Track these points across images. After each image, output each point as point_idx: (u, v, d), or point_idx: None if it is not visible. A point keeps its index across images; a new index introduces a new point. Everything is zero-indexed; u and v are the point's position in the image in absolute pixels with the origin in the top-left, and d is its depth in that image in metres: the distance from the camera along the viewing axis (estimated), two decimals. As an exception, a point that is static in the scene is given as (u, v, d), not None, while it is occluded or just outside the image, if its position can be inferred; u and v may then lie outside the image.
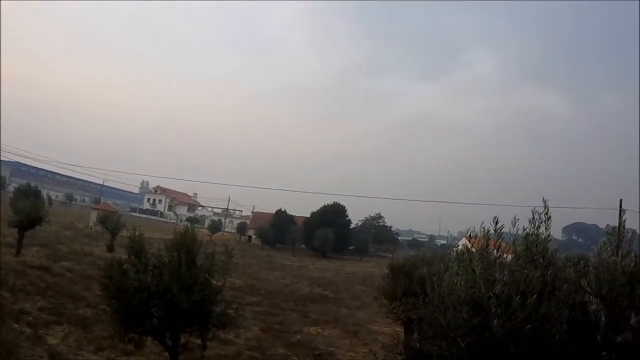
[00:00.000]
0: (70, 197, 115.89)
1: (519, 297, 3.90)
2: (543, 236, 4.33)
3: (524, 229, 4.35)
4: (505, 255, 4.44)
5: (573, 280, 4.22)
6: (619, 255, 4.18)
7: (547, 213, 4.37)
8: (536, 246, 4.25)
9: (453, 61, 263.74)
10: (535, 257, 4.20)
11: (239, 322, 10.45)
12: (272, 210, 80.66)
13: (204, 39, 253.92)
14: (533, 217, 4.36)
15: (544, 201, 4.40)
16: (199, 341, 8.93)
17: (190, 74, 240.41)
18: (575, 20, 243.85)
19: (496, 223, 4.42)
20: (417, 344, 4.70)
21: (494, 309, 3.90)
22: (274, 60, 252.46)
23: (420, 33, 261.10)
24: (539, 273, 4.06)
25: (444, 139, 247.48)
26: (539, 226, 4.33)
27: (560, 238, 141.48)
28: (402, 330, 13.18)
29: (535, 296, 3.90)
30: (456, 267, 4.46)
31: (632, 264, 4.14)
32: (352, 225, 78.41)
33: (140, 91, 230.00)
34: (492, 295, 3.98)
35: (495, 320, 3.85)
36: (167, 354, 8.94)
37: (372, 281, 29.58)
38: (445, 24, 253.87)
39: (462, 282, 4.23)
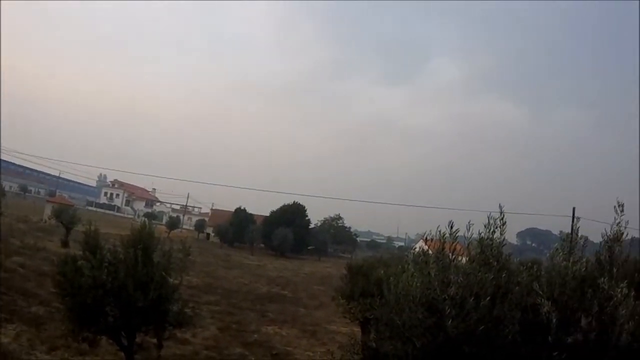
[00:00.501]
0: (24, 189, 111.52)
1: (473, 299, 3.98)
2: (498, 241, 4.46)
3: (480, 233, 4.47)
4: (460, 258, 4.55)
5: (526, 284, 4.35)
6: (571, 261, 4.34)
7: (502, 218, 4.50)
8: (490, 250, 4.36)
9: (417, 68, 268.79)
10: (490, 261, 4.31)
11: (196, 321, 10.35)
12: (232, 208, 79.99)
13: (164, 33, 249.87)
14: (489, 222, 4.48)
15: (500, 207, 4.52)
16: (155, 340, 8.79)
17: (152, 67, 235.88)
18: (534, 35, 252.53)
19: (451, 227, 4.53)
20: (374, 344, 4.75)
21: (449, 310, 3.97)
22: (238, 58, 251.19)
23: (387, 39, 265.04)
24: (493, 276, 4.16)
25: (405, 144, 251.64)
26: (494, 231, 4.46)
27: (515, 243, 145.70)
28: (360, 330, 13.32)
29: (488, 298, 3.99)
30: (412, 269, 4.52)
31: (583, 269, 4.30)
32: (312, 226, 78.47)
33: (100, 81, 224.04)
34: (446, 297, 4.05)
35: (450, 321, 3.92)
36: (122, 354, 8.77)
37: (331, 281, 29.73)
38: (412, 31, 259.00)
39: (418, 284, 4.29)
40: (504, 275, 4.24)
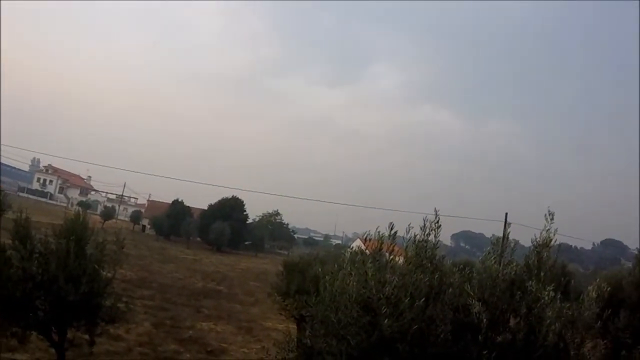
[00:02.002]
0: None
1: (407, 299, 4.12)
2: (432, 243, 4.67)
3: (415, 235, 4.65)
4: (397, 259, 4.72)
5: (458, 285, 4.57)
6: (501, 264, 4.61)
7: (437, 222, 4.71)
8: (425, 252, 4.54)
9: (358, 72, 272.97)
10: (424, 262, 4.50)
11: (129, 316, 10.15)
12: (169, 199, 78.23)
13: (105, 17, 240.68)
14: (424, 225, 4.68)
15: (435, 211, 4.73)
16: (87, 336, 8.54)
17: (88, 52, 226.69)
18: (472, 48, 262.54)
19: (391, 229, 4.69)
20: (309, 342, 4.84)
21: (384, 309, 4.09)
22: (182, 50, 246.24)
23: (330, 40, 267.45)
24: (427, 278, 4.33)
25: (344, 145, 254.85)
26: (429, 233, 4.65)
27: (449, 244, 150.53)
28: (295, 327, 13.43)
29: (423, 299, 4.15)
30: (349, 268, 4.63)
31: (513, 273, 4.57)
32: (249, 221, 77.90)
33: (37, 61, 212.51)
34: (382, 297, 4.17)
35: (385, 320, 4.05)
36: (53, 350, 8.47)
37: (267, 277, 29.67)
38: (355, 35, 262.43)
39: (354, 283, 4.39)
40: (437, 276, 4.43)
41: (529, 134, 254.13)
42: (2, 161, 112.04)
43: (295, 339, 5.64)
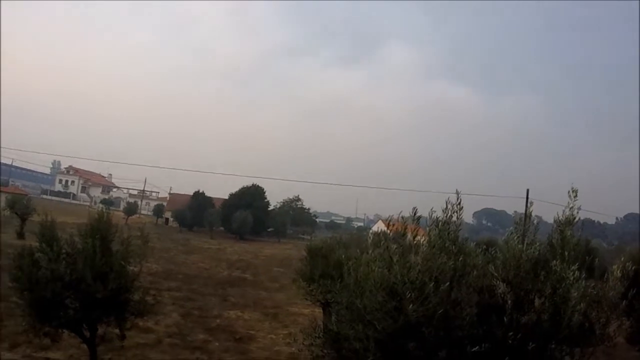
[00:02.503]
0: None
1: (432, 283, 4.10)
2: (455, 224, 4.62)
3: (437, 218, 4.61)
4: (420, 239, 4.69)
5: (482, 266, 4.54)
6: (525, 244, 4.55)
7: (459, 203, 4.67)
8: (448, 234, 4.50)
9: (373, 51, 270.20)
10: (447, 245, 4.46)
11: (157, 308, 10.31)
12: (190, 192, 79.02)
13: (114, 12, 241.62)
14: (446, 207, 4.64)
15: (457, 192, 4.68)
16: (117, 331, 8.73)
17: (103, 51, 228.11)
18: (489, 22, 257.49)
19: (415, 213, 4.66)
20: (335, 327, 4.87)
21: (409, 294, 4.08)
22: (193, 41, 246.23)
23: (343, 20, 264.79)
24: (451, 261, 4.30)
25: (361, 126, 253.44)
26: (451, 215, 4.62)
27: (471, 222, 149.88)
28: (321, 311, 13.54)
29: (447, 283, 4.13)
30: (373, 253, 4.61)
31: (537, 252, 4.52)
32: (271, 208, 78.40)
33: (49, 64, 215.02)
34: (407, 281, 4.15)
35: (410, 305, 4.04)
36: (85, 346, 8.68)
37: (291, 263, 29.88)
38: (368, 13, 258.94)
39: (379, 268, 4.38)
40: (460, 259, 4.40)
41: (547, 107, 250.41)
42: (24, 166, 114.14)
43: (321, 325, 5.69)
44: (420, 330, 4.06)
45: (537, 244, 4.55)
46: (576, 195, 4.56)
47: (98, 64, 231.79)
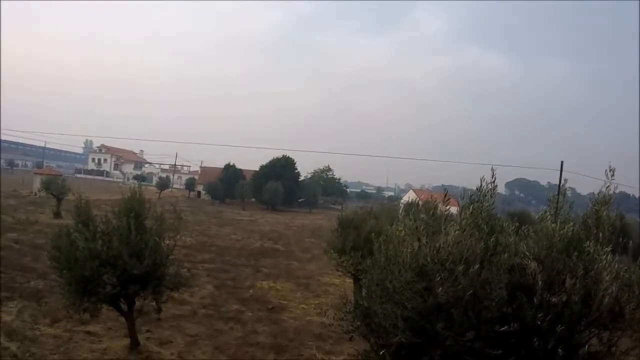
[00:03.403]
0: (11, 163, 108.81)
1: (462, 266, 4.06)
2: (489, 204, 4.54)
3: (470, 196, 4.52)
4: (452, 211, 4.63)
5: (514, 245, 4.46)
6: (558, 223, 4.44)
7: (494, 181, 4.58)
8: (481, 213, 4.43)
9: (400, 18, 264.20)
10: (480, 223, 4.39)
11: (192, 281, 10.59)
12: (221, 164, 79.81)
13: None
14: (480, 186, 4.55)
15: (492, 170, 4.57)
16: (154, 304, 9.04)
17: (128, 29, 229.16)
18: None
19: (446, 194, 4.61)
20: (365, 303, 4.91)
21: (438, 277, 4.06)
22: (216, 11, 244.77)
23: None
24: (482, 242, 4.25)
25: (389, 94, 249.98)
26: (484, 195, 4.53)
27: (504, 193, 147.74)
28: (352, 282, 13.69)
29: (478, 266, 4.09)
30: (403, 232, 4.57)
31: (570, 232, 4.40)
32: (301, 178, 78.72)
33: (77, 46, 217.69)
34: (437, 262, 4.13)
35: (439, 288, 4.02)
36: (123, 319, 9.01)
37: (322, 233, 30.17)
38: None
39: (408, 250, 4.36)
40: (492, 239, 4.33)
41: (581, 74, 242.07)
42: (57, 147, 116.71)
43: (353, 299, 5.73)
44: (449, 311, 4.06)
45: (571, 223, 4.43)
46: (613, 174, 4.41)
47: (125, 45, 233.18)
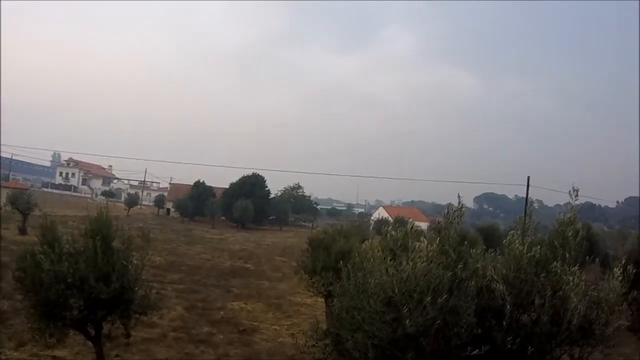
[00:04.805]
0: None
1: (430, 297, 4.07)
2: (456, 229, 4.57)
3: (438, 223, 4.57)
4: (419, 225, 4.65)
5: (482, 269, 4.50)
6: (525, 245, 4.50)
7: (461, 208, 4.62)
8: (448, 240, 4.48)
9: (370, 36, 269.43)
10: (447, 249, 4.42)
11: (161, 303, 10.35)
12: (191, 181, 78.98)
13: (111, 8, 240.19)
14: (447, 212, 4.59)
15: (459, 196, 4.64)
16: (122, 328, 8.79)
17: (100, 42, 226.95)
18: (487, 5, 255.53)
19: (412, 227, 4.63)
20: (336, 329, 4.86)
21: (406, 308, 4.06)
22: (188, 28, 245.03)
23: (340, 6, 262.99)
24: (450, 271, 4.28)
25: (360, 112, 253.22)
26: (451, 222, 4.56)
27: (473, 207, 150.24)
28: (323, 301, 13.61)
29: (445, 296, 4.10)
30: (372, 260, 4.57)
31: (537, 254, 4.49)
32: (272, 196, 78.47)
33: (46, 56, 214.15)
34: (404, 292, 4.14)
35: (407, 320, 4.03)
36: (91, 344, 8.75)
37: (293, 251, 30.01)
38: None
39: (377, 280, 4.37)
40: (460, 266, 4.37)
41: (546, 91, 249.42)
42: (24, 160, 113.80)
43: (325, 321, 5.68)
44: (418, 340, 4.07)
45: (538, 247, 4.50)
46: (577, 195, 4.53)
47: (96, 59, 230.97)
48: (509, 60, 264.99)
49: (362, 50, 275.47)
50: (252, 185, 70.98)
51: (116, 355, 9.92)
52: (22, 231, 27.70)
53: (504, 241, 4.83)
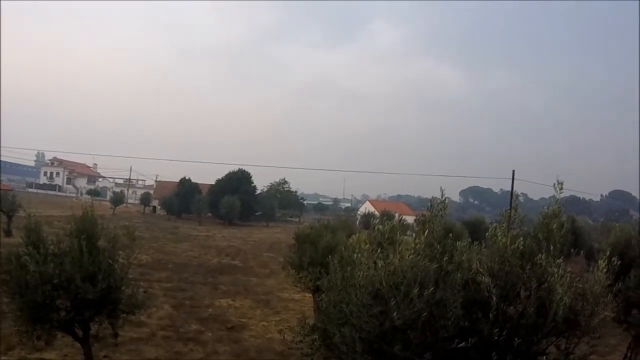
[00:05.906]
0: None
1: (417, 289, 4.10)
2: (440, 222, 4.61)
3: (423, 216, 4.62)
4: (404, 218, 4.70)
5: (467, 262, 4.56)
6: (509, 237, 4.58)
7: (444, 201, 4.67)
8: (433, 234, 4.51)
9: (356, 31, 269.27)
10: (433, 243, 4.46)
11: (149, 302, 10.32)
12: (176, 178, 78.44)
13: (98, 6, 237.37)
14: (431, 206, 4.64)
15: (441, 190, 4.68)
16: (110, 328, 8.75)
17: (85, 37, 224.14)
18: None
19: (400, 220, 4.67)
20: (323, 324, 4.89)
21: (393, 301, 4.10)
22: (174, 24, 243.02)
23: (325, 1, 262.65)
24: (435, 263, 4.32)
25: (346, 106, 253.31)
26: (436, 215, 4.60)
27: (458, 201, 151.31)
28: (311, 296, 13.65)
29: (432, 289, 4.15)
30: (357, 256, 4.60)
31: (521, 246, 4.56)
32: (258, 192, 78.26)
33: (26, 55, 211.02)
34: (391, 285, 4.17)
35: (395, 312, 4.07)
36: (79, 345, 8.70)
37: (280, 247, 30.05)
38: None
39: (364, 273, 4.40)
40: (445, 258, 4.42)
41: (532, 85, 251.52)
42: (7, 160, 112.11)
43: (313, 317, 5.70)
44: (405, 333, 4.10)
45: (521, 238, 4.57)
46: (561, 188, 4.60)
47: (79, 57, 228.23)
48: (494, 55, 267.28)
49: (347, 45, 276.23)
50: (238, 182, 70.71)
51: (105, 356, 9.88)
52: (8, 233, 27.33)
53: (487, 234, 4.91)
